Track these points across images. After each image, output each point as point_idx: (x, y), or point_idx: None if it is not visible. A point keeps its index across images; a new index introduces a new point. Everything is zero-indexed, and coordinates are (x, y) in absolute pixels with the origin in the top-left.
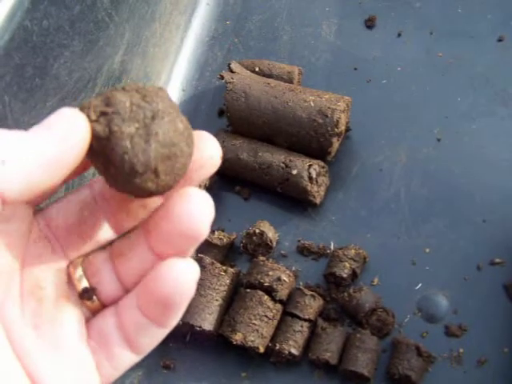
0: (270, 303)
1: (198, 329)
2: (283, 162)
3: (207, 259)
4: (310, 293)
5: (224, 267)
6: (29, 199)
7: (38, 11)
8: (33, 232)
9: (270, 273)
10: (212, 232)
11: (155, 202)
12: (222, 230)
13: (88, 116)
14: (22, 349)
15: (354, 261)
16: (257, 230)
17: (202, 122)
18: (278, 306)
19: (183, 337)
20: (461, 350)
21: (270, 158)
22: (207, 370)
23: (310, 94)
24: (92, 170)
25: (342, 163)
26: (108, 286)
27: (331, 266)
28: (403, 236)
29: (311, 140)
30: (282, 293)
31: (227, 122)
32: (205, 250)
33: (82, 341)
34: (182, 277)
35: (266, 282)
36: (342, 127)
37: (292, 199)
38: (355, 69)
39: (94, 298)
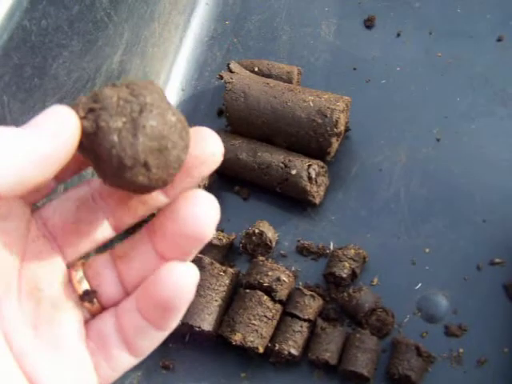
0: (270, 303)
1: (198, 329)
2: (282, 162)
3: (206, 259)
4: (309, 293)
5: (223, 267)
6: (21, 194)
7: (37, 11)
8: (31, 231)
9: (270, 273)
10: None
11: (155, 198)
12: (222, 230)
13: (77, 113)
14: (20, 348)
15: (354, 261)
16: (256, 230)
17: (201, 121)
18: (278, 306)
19: (182, 337)
20: (461, 350)
21: (270, 158)
22: (206, 371)
23: (309, 94)
24: (91, 169)
25: (341, 163)
26: (109, 288)
27: (331, 265)
28: (403, 236)
29: (310, 140)
30: (282, 293)
31: (226, 121)
32: (204, 250)
33: (81, 342)
34: (181, 280)
35: (266, 282)
36: (342, 127)
37: (291, 199)
38: (354, 69)
39: (95, 300)
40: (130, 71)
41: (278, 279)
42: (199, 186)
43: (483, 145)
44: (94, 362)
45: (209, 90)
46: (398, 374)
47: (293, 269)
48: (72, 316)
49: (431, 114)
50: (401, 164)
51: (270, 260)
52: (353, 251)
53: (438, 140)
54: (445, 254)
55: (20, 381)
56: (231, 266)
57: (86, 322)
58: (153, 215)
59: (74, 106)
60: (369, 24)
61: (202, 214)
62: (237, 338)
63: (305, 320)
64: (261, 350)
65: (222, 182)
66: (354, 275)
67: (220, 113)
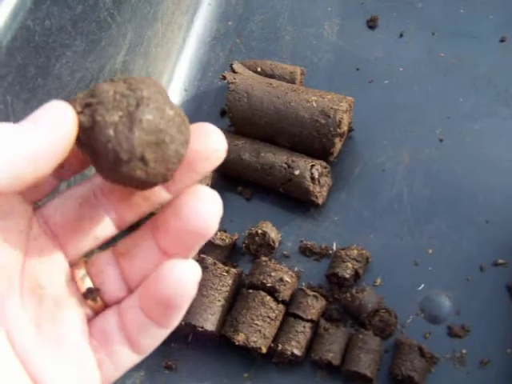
0: (273, 304)
1: (200, 329)
2: (285, 163)
3: (209, 260)
4: (312, 293)
5: (226, 268)
6: (20, 190)
7: (41, 11)
8: (33, 229)
9: (273, 273)
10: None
11: (157, 194)
12: (224, 231)
13: (74, 108)
14: (22, 346)
15: (357, 261)
16: (259, 231)
17: (204, 122)
18: (281, 307)
19: (185, 337)
20: (464, 351)
21: (273, 159)
22: (209, 371)
23: (312, 95)
24: (93, 168)
25: (344, 163)
26: (112, 285)
27: (334, 266)
28: (406, 236)
29: (314, 140)
30: (285, 293)
31: (229, 122)
32: (207, 250)
33: (84, 340)
34: (183, 278)
35: (269, 282)
36: (345, 127)
37: (294, 199)
38: (357, 69)
39: (98, 298)
40: (133, 71)
41: (281, 279)
42: None
43: (486, 145)
44: (97, 359)
45: (212, 90)
46: (401, 374)
47: (296, 269)
48: (75, 314)
49: (434, 114)
50: (404, 164)
51: (272, 260)
52: (356, 252)
53: (441, 140)
54: (448, 255)
55: (22, 378)
56: (234, 267)
57: (89, 320)
58: (152, 214)
59: (72, 102)
60: (372, 24)
61: (205, 210)
62: (240, 338)
63: (308, 320)
64: (264, 350)
65: (225, 182)
66: (356, 276)
67: (223, 113)
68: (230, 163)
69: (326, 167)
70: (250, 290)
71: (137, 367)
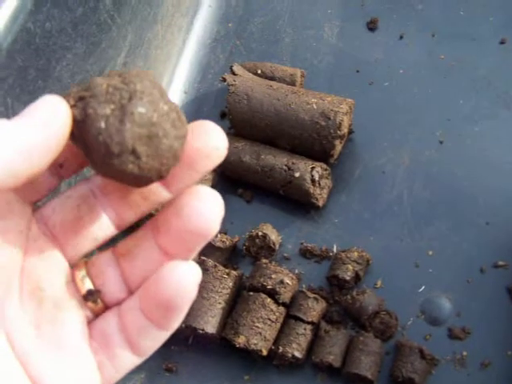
0: (273, 306)
1: (201, 332)
2: (286, 165)
3: (210, 262)
4: (313, 295)
5: (227, 270)
6: (15, 187)
7: (41, 13)
8: (32, 230)
9: (273, 276)
10: (215, 235)
11: (157, 194)
12: (225, 233)
13: (68, 102)
14: (22, 348)
15: (357, 263)
16: (259, 233)
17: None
18: (281, 309)
19: (186, 340)
20: (464, 353)
21: (273, 161)
22: (210, 373)
23: (312, 97)
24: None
25: (344, 166)
26: (112, 287)
27: (334, 268)
28: (406, 239)
29: (314, 142)
30: (285, 295)
31: (229, 124)
32: (207, 252)
33: (84, 341)
34: (184, 280)
35: (269, 284)
36: (345, 129)
37: (295, 202)
38: (357, 71)
39: (98, 300)
40: None
41: (282, 282)
42: None
43: (486, 147)
44: (97, 361)
45: (212, 92)
46: (401, 376)
47: (296, 271)
48: (74, 316)
49: (434, 116)
50: (404, 166)
51: (273, 263)
52: (356, 254)
53: (441, 142)
54: (448, 257)
55: (22, 380)
56: (234, 269)
57: (89, 322)
58: (151, 215)
59: (66, 95)
60: (372, 26)
61: (207, 210)
62: (240, 341)
63: (308, 323)
64: (264, 352)
65: (225, 184)
66: (357, 278)
67: (223, 115)
68: (230, 165)
69: (326, 169)
70: (251, 293)
71: (137, 369)
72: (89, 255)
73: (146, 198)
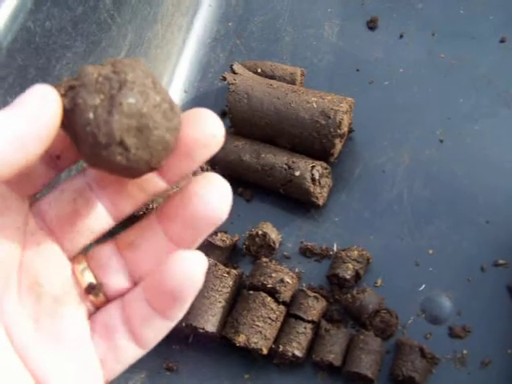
0: (274, 305)
1: (201, 331)
2: (286, 164)
3: (210, 261)
4: (313, 294)
5: (227, 269)
6: (8, 178)
7: (41, 12)
8: (29, 225)
9: (273, 274)
10: (215, 234)
11: (154, 184)
12: (225, 232)
13: (58, 91)
14: (21, 342)
15: (358, 262)
16: (259, 232)
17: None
18: (282, 308)
19: (186, 339)
20: (465, 352)
21: (273, 160)
22: (210, 372)
23: (312, 95)
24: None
25: (344, 164)
26: (115, 279)
27: (334, 267)
28: (406, 237)
29: (314, 141)
30: (286, 294)
31: (229, 123)
32: (207, 251)
33: (85, 335)
34: (191, 269)
35: (269, 283)
36: (345, 128)
37: (295, 200)
38: (357, 70)
39: (100, 294)
40: None
41: (282, 281)
42: None
43: (486, 146)
44: (99, 354)
45: (212, 91)
46: (402, 375)
47: (296, 270)
48: (74, 309)
49: (434, 115)
50: (404, 165)
51: (273, 261)
52: (356, 252)
53: (441, 141)
54: (448, 256)
55: (21, 374)
56: (235, 268)
57: (91, 315)
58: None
59: (57, 85)
60: (372, 25)
61: (216, 196)
62: (241, 340)
63: (309, 321)
64: (265, 351)
65: None
66: (357, 276)
67: (223, 114)
68: (230, 164)
69: (326, 168)
70: (251, 291)
71: (138, 369)
72: (87, 248)
73: (143, 189)
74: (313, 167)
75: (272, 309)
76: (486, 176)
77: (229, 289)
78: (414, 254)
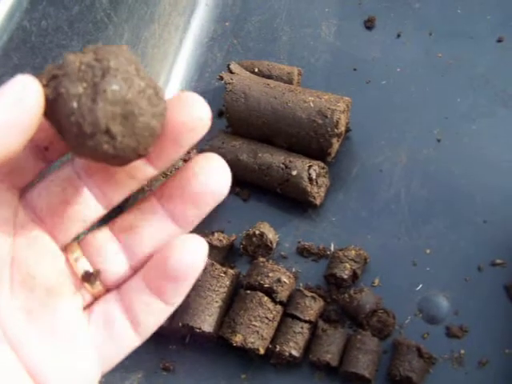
0: (270, 305)
1: (198, 330)
2: (283, 163)
3: (207, 260)
4: (310, 294)
5: (224, 269)
6: None
7: (37, 11)
8: (19, 216)
9: (270, 274)
10: (211, 233)
11: (143, 171)
12: (222, 232)
13: (40, 81)
14: (14, 335)
15: (355, 262)
16: (256, 232)
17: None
18: (279, 308)
19: (183, 339)
20: (462, 351)
21: (270, 159)
22: (207, 372)
23: (309, 95)
24: None
25: (341, 164)
26: (113, 264)
27: (331, 267)
28: (403, 237)
29: (311, 141)
30: (283, 294)
31: (227, 122)
32: None
33: (80, 325)
34: (193, 253)
35: (266, 283)
36: (342, 128)
37: (292, 200)
38: (355, 69)
39: (97, 283)
40: None
41: (279, 280)
42: None
43: (484, 145)
44: (97, 344)
45: (209, 91)
46: (399, 375)
47: (293, 270)
48: (69, 300)
49: (432, 114)
50: (401, 165)
51: (270, 261)
52: (353, 252)
53: (439, 141)
54: (445, 255)
55: (15, 366)
56: (232, 267)
57: (88, 305)
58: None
59: (39, 75)
60: (369, 25)
61: (216, 173)
62: (237, 340)
63: (306, 321)
64: (261, 351)
65: None
66: (354, 276)
67: (220, 114)
68: (227, 164)
69: (323, 168)
70: (248, 291)
71: (134, 369)
72: (79, 237)
73: (132, 176)
74: (310, 167)
75: (269, 309)
76: (483, 176)
77: (226, 288)
78: (412, 253)
